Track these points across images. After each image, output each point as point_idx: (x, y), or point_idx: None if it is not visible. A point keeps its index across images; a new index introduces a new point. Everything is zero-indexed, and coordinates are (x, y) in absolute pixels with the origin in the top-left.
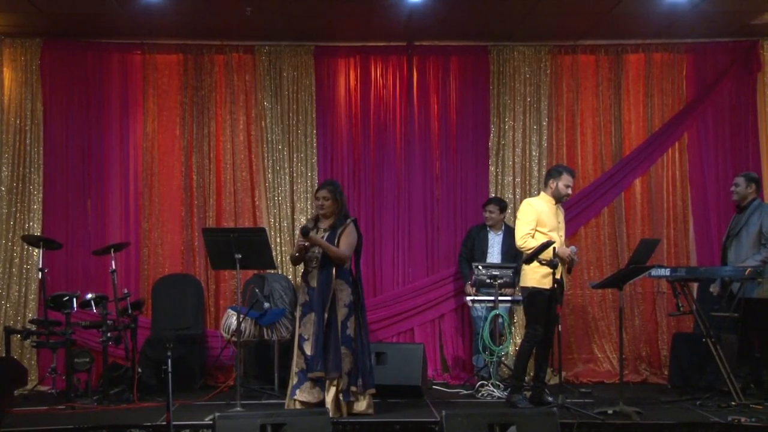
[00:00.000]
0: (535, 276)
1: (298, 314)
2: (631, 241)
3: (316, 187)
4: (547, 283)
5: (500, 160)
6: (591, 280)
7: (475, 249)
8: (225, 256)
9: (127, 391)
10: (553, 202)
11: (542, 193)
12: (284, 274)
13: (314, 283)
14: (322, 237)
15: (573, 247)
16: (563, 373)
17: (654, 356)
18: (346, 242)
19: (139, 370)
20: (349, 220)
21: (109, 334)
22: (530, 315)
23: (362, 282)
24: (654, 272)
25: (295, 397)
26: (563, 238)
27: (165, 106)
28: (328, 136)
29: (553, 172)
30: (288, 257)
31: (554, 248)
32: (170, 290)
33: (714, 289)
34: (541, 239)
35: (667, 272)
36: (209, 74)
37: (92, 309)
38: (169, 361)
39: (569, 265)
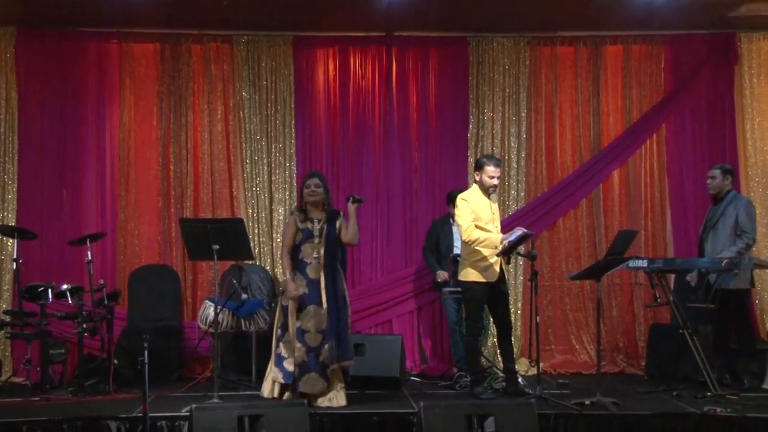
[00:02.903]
0: (475, 269)
1: (290, 306)
2: (609, 232)
3: (294, 177)
4: (489, 276)
5: (479, 150)
6: (569, 271)
7: (441, 242)
8: (202, 247)
9: (102, 383)
10: (484, 194)
11: (473, 186)
12: (262, 265)
13: (314, 275)
14: (320, 229)
15: (511, 233)
16: (541, 365)
17: (631, 347)
18: (351, 231)
19: (115, 361)
20: (341, 213)
21: (84, 326)
22: (471, 308)
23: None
24: (632, 263)
25: (300, 389)
26: (499, 228)
27: (142, 96)
28: (307, 127)
29: (477, 165)
30: (279, 253)
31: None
32: (147, 281)
33: (691, 277)
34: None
35: (644, 263)
36: (187, 64)
37: (68, 300)
38: (146, 352)
39: (523, 255)
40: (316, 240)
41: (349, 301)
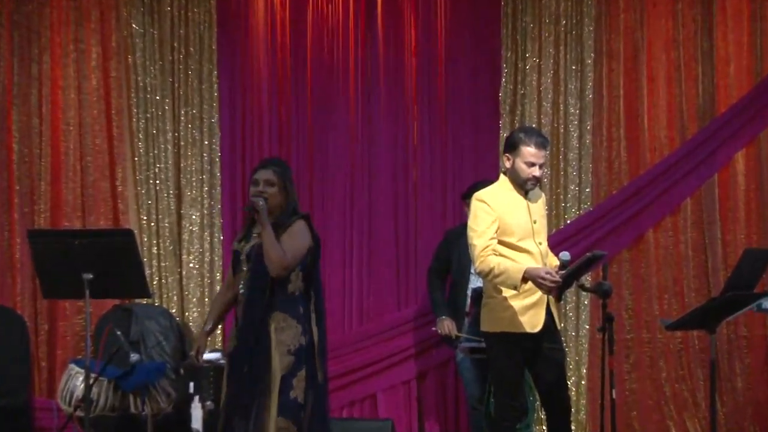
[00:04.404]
0: (506, 313)
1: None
2: (730, 252)
3: (218, 163)
4: (530, 324)
5: (516, 120)
6: (665, 315)
7: (453, 262)
8: (65, 277)
9: None
10: (517, 190)
11: (501, 177)
12: (165, 305)
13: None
14: (251, 247)
15: (564, 254)
16: None
17: None
18: (290, 245)
19: None
20: (296, 218)
21: None
22: (501, 376)
23: (325, 314)
24: (766, 303)
25: None
26: (544, 247)
27: None
28: (238, 82)
29: (509, 144)
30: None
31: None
32: None
33: None
34: (510, 255)
35: None
36: None
37: None
38: None
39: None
40: (245, 266)
41: (317, 362)
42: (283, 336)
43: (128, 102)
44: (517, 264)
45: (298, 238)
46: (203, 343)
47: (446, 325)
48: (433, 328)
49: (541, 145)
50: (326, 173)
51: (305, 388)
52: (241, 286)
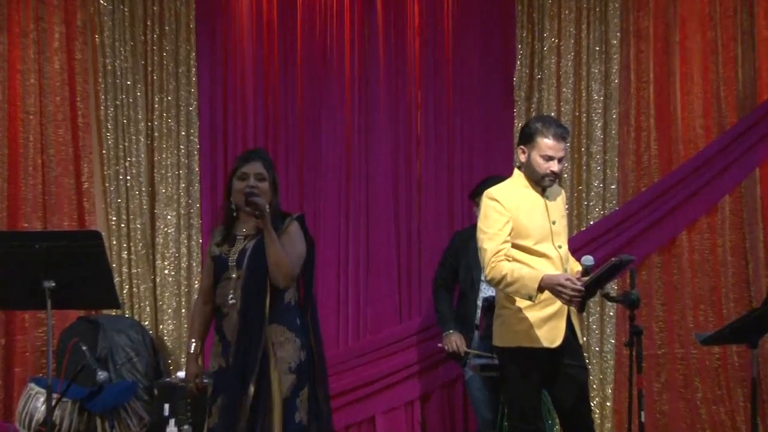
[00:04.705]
0: (521, 326)
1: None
2: None
3: (196, 156)
4: (548, 338)
5: (533, 108)
6: (700, 328)
7: (462, 269)
8: (24, 286)
9: None
10: (533, 187)
11: (515, 172)
12: (136, 318)
13: (232, 335)
14: (241, 251)
15: (587, 258)
16: None
17: None
18: (292, 251)
19: None
20: (290, 219)
21: None
22: (516, 397)
23: (319, 324)
24: None
25: None
26: (564, 250)
27: None
28: (219, 66)
29: (524, 135)
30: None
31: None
32: None
33: None
34: (526, 261)
35: None
36: None
37: None
38: None
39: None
40: (233, 272)
41: (318, 378)
42: (283, 352)
43: (95, 88)
44: (533, 271)
45: (296, 242)
46: (197, 369)
47: (454, 340)
48: (439, 345)
49: (561, 136)
50: (318, 168)
51: (308, 410)
52: (230, 296)
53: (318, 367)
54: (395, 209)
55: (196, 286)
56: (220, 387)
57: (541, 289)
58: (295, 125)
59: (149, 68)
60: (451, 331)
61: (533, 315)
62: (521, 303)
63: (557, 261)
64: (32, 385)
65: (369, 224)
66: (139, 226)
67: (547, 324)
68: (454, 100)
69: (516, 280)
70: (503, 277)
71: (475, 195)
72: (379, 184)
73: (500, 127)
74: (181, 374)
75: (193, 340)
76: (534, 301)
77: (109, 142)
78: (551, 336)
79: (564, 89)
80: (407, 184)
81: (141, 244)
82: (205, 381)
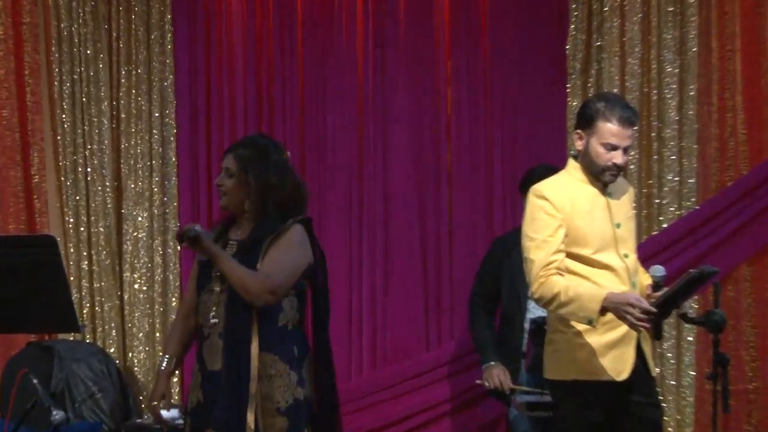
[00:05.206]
0: (579, 354)
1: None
2: None
3: (172, 142)
4: (613, 369)
5: (591, 84)
6: None
7: (504, 284)
8: None
9: None
10: (591, 183)
11: (569, 163)
12: (100, 344)
13: (212, 363)
14: (231, 254)
15: (657, 268)
16: None
17: None
18: (278, 259)
19: None
20: (292, 222)
21: None
22: None
23: (331, 353)
24: None
25: None
26: (633, 257)
27: None
28: (200, 31)
29: (582, 118)
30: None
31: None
32: None
33: None
34: (584, 274)
35: None
36: None
37: None
38: None
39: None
40: (216, 284)
41: (327, 421)
42: (271, 389)
43: (47, 58)
44: (594, 287)
45: (292, 249)
46: (165, 389)
47: (495, 374)
48: (478, 381)
49: (627, 120)
50: (323, 157)
51: None
52: (212, 314)
53: (326, 411)
54: (420, 208)
55: (174, 304)
56: (199, 427)
57: (603, 310)
58: (294, 104)
59: (114, 34)
60: (492, 363)
61: (594, 340)
62: (579, 325)
63: (623, 273)
64: None
65: (387, 227)
66: (102, 229)
67: (611, 352)
68: (493, 73)
69: (572, 299)
70: (555, 296)
71: (525, 186)
72: (399, 177)
73: (550, 107)
74: (163, 414)
75: (166, 356)
76: (595, 326)
77: (66, 126)
78: (617, 366)
79: (629, 59)
80: (434, 176)
81: (105, 252)
82: (179, 420)
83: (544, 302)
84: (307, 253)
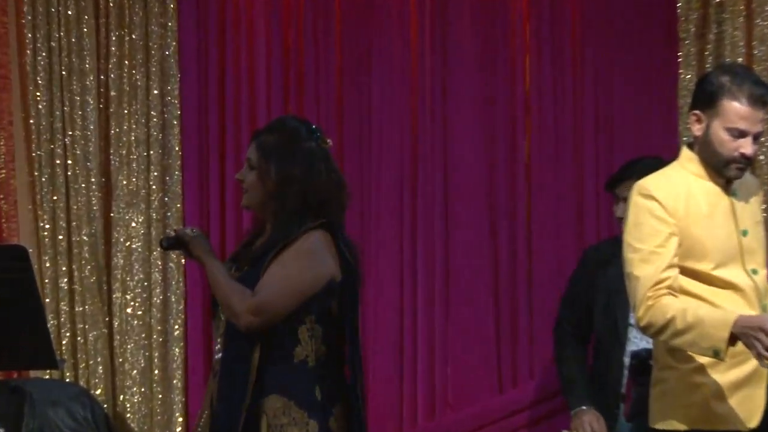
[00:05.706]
0: (696, 396)
1: None
2: None
3: (176, 133)
4: (737, 416)
5: (709, 52)
6: None
7: (598, 307)
8: None
9: None
10: (712, 179)
11: (683, 153)
12: (81, 383)
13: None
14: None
15: None
16: None
17: None
18: (272, 275)
19: None
20: (306, 228)
21: None
22: None
23: (363, 395)
24: None
25: None
26: (763, 273)
27: None
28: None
29: (700, 96)
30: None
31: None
32: None
33: None
34: (702, 294)
35: None
36: None
37: None
38: None
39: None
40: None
41: None
42: None
43: (18, 21)
44: (718, 310)
45: (298, 261)
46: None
47: (587, 421)
48: (564, 431)
49: (759, 99)
50: (367, 149)
51: None
52: (217, 345)
53: None
54: (490, 213)
55: (177, 333)
56: None
57: (733, 338)
58: (330, 78)
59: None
60: (583, 407)
61: (716, 380)
62: (697, 360)
63: (750, 294)
64: None
65: (448, 237)
66: (86, 237)
67: (737, 393)
68: (583, 41)
69: (691, 326)
70: (669, 322)
71: (616, 184)
72: (464, 174)
73: (657, 82)
74: None
75: None
76: (722, 358)
77: (40, 107)
78: (745, 412)
79: (758, 21)
80: (509, 174)
81: (90, 267)
82: None
83: (654, 330)
84: (324, 267)
